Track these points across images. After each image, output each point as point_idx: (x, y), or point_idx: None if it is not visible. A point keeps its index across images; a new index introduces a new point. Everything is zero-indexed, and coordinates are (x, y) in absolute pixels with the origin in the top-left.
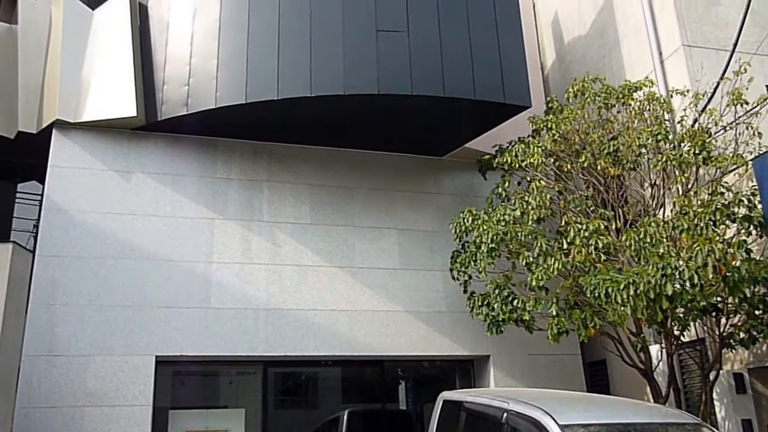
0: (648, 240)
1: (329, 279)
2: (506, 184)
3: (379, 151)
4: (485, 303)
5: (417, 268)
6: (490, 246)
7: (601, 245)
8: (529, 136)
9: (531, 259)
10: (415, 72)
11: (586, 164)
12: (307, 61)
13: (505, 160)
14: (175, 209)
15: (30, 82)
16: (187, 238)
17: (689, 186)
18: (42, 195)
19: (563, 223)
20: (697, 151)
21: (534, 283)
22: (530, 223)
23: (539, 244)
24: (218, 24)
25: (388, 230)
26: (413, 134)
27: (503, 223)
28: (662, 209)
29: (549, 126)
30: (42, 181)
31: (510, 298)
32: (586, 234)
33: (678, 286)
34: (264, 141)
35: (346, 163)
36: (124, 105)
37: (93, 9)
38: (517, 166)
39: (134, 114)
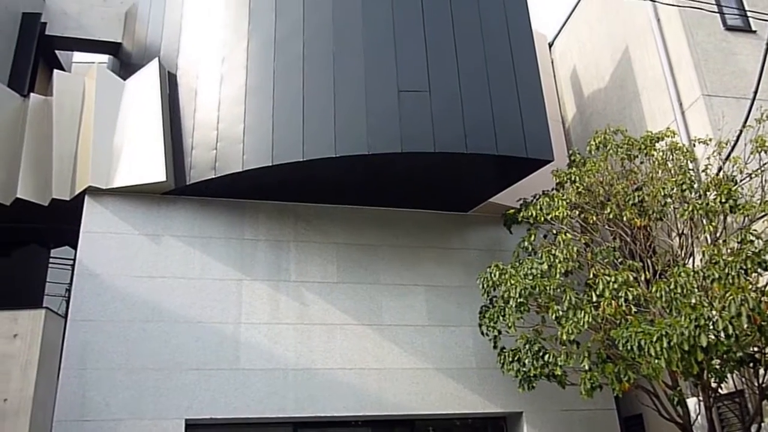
0: (679, 290)
1: (357, 337)
2: (532, 238)
3: (404, 208)
4: (516, 358)
5: (445, 325)
6: (519, 300)
7: (631, 297)
8: (553, 189)
9: (560, 312)
10: (438, 130)
11: (611, 216)
12: (331, 122)
13: (530, 213)
14: (203, 271)
15: (64, 150)
16: (215, 300)
17: (718, 235)
18: (74, 260)
19: (591, 275)
20: (723, 200)
21: (565, 337)
22: (558, 276)
23: (568, 298)
24: (244, 90)
25: (415, 287)
26: (438, 190)
27: (531, 277)
28: (691, 259)
29: (573, 179)
30: (74, 247)
31: (541, 353)
32: (616, 286)
33: (712, 337)
34: (290, 201)
35: (372, 221)
36: (153, 170)
37: (124, 79)
38: (542, 219)
39: (164, 179)
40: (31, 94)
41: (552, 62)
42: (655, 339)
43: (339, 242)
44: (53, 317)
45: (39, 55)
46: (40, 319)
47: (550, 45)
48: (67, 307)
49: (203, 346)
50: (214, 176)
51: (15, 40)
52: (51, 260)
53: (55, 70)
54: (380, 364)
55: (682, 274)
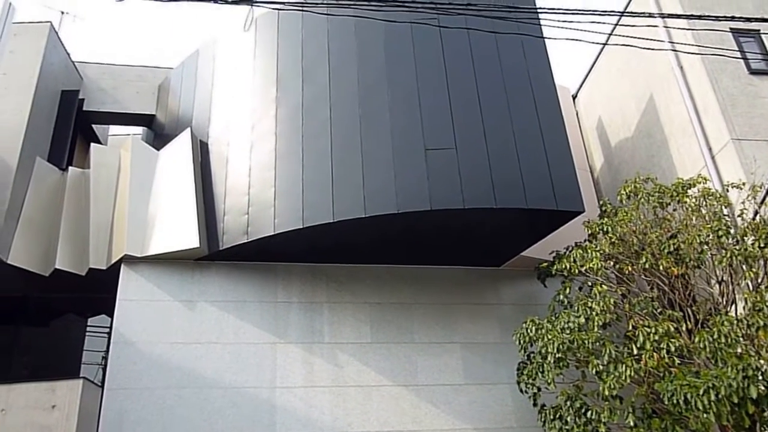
0: (723, 340)
1: (393, 398)
2: (567, 291)
3: (435, 266)
4: (557, 416)
5: (482, 383)
6: (557, 356)
7: (673, 348)
8: (585, 241)
9: (601, 367)
10: (466, 186)
11: (647, 265)
12: (360, 183)
13: (563, 266)
14: (238, 335)
15: (100, 221)
16: (250, 364)
17: (759, 280)
18: (110, 328)
19: (631, 327)
20: (762, 244)
21: (607, 393)
22: (596, 329)
23: (608, 351)
24: (274, 155)
25: (450, 345)
26: (469, 246)
27: (568, 331)
28: (733, 306)
29: (605, 229)
30: (110, 315)
31: (583, 410)
32: (657, 337)
33: (762, 387)
34: (322, 263)
35: (404, 280)
36: (187, 237)
37: (158, 149)
38: (576, 271)
39: (197, 245)
40: (70, 168)
41: (577, 114)
42: (702, 392)
43: (372, 302)
44: (90, 387)
45: (77, 129)
46: (78, 389)
47: (574, 97)
48: (104, 376)
49: (239, 412)
50: (246, 241)
51: (55, 117)
52: (88, 329)
53: (92, 144)
54: (418, 425)
55: (725, 322)
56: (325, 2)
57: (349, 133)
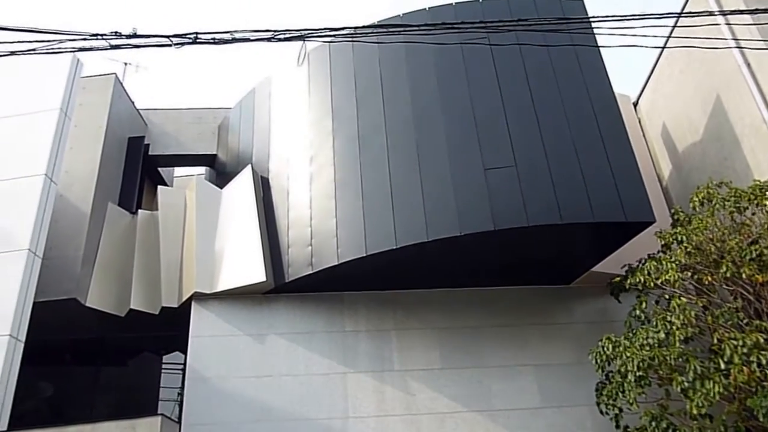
0: None
1: (468, 425)
2: (643, 305)
3: (502, 287)
4: None
5: (560, 405)
6: (638, 374)
7: (764, 361)
8: (659, 252)
9: (686, 384)
10: (529, 203)
11: (728, 274)
12: (421, 208)
13: (637, 279)
14: (308, 367)
15: (170, 260)
16: (321, 395)
17: None
18: (184, 364)
19: (715, 340)
20: None
21: (695, 411)
22: (678, 344)
23: (693, 367)
24: (333, 185)
25: (523, 367)
26: (536, 265)
27: (648, 348)
28: None
29: (679, 239)
30: (183, 351)
31: (670, 430)
32: (745, 350)
33: None
34: (387, 290)
35: (471, 303)
36: (254, 272)
37: (221, 188)
38: (651, 284)
39: (264, 279)
40: (139, 211)
41: (639, 121)
42: None
43: (440, 327)
44: (169, 423)
45: (144, 173)
46: (157, 426)
47: (635, 104)
48: (180, 411)
49: None
50: (311, 272)
51: (123, 163)
52: (163, 366)
53: (159, 186)
54: None
55: None
56: (374, 31)
57: (407, 158)
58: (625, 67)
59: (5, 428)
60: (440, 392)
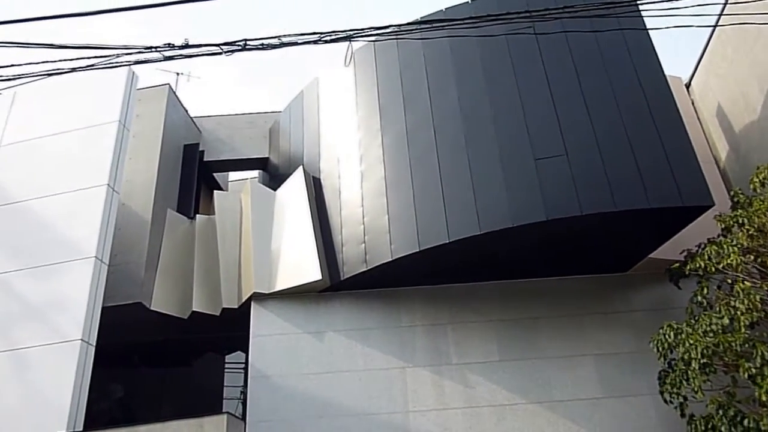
0: None
1: (529, 416)
2: (705, 291)
3: (558, 277)
4: (710, 426)
5: (622, 395)
6: (702, 361)
7: None
8: (719, 236)
9: (754, 370)
10: (582, 192)
11: None
12: (472, 201)
13: (697, 265)
14: (366, 362)
15: (229, 263)
16: (381, 390)
17: None
18: (245, 363)
19: None
20: None
21: (764, 398)
22: (743, 330)
23: (760, 353)
24: (384, 183)
25: (582, 357)
26: (591, 253)
27: (711, 334)
28: None
29: (740, 221)
30: (245, 350)
31: (739, 418)
32: None
33: None
34: (442, 284)
35: (527, 294)
36: (310, 271)
37: (274, 190)
38: (713, 269)
39: (320, 278)
40: (197, 216)
41: (692, 103)
42: None
43: (496, 319)
44: (234, 421)
45: (200, 179)
46: (223, 424)
47: (687, 86)
48: (244, 409)
49: None
50: (365, 269)
51: (179, 170)
52: (226, 365)
53: (215, 191)
54: None
55: None
56: (418, 28)
57: (456, 152)
58: (675, 48)
59: (81, 428)
60: (499, 384)
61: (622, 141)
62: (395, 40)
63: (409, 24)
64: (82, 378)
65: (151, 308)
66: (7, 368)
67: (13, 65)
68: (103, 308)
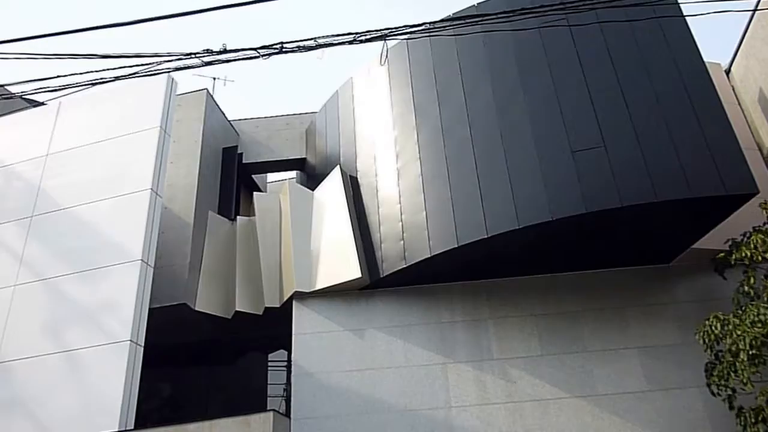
0: None
1: (573, 411)
2: (752, 281)
3: (599, 269)
4: (760, 419)
5: (667, 388)
6: (751, 352)
7: None
8: (765, 224)
9: None
10: (621, 183)
11: None
12: (509, 195)
13: (743, 254)
14: (408, 359)
15: (270, 263)
16: (422, 386)
17: None
18: (288, 361)
19: None
20: None
21: None
22: None
23: None
24: (421, 179)
25: (626, 350)
26: (633, 245)
27: (760, 325)
28: None
29: None
30: (287, 348)
31: None
32: None
33: None
34: (481, 279)
35: (567, 288)
36: (349, 269)
37: (312, 189)
38: (759, 258)
39: (359, 275)
40: (238, 217)
41: (733, 89)
42: None
43: (537, 314)
44: (280, 418)
45: (240, 181)
46: (270, 421)
47: (727, 72)
48: (287, 406)
49: None
50: (404, 266)
51: (219, 173)
52: (269, 364)
53: (255, 193)
54: None
55: None
56: (451, 24)
57: (492, 147)
58: (713, 33)
59: (132, 427)
60: (542, 379)
61: (661, 130)
62: (428, 37)
63: (442, 21)
64: (132, 377)
65: (196, 309)
66: (62, 369)
67: (58, 76)
68: (150, 310)
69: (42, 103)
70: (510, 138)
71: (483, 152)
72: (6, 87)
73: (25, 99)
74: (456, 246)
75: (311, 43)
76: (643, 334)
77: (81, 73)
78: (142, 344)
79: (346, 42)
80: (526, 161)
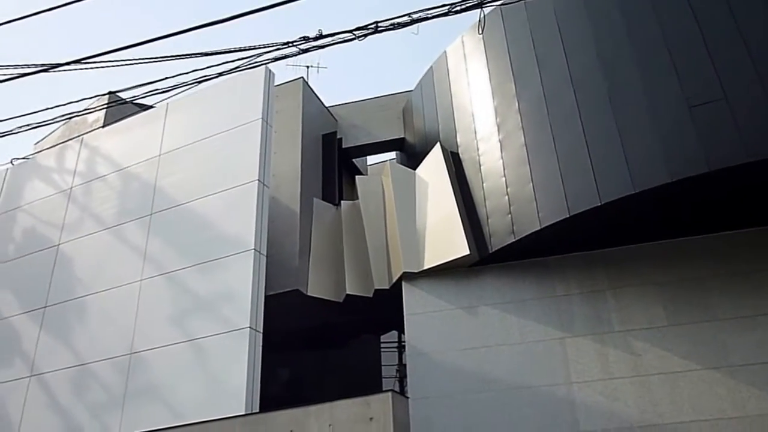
0: None
1: (705, 383)
2: None
3: (728, 231)
4: None
5: None
6: None
7: None
8: None
9: None
10: (747, 137)
11: None
12: (622, 159)
13: None
14: (523, 335)
15: (377, 245)
16: (541, 362)
17: None
18: (399, 341)
19: None
20: None
21: None
22: None
23: None
24: (525, 150)
25: (762, 317)
26: (763, 203)
27: None
28: None
29: None
30: (399, 329)
31: None
32: None
33: None
34: (595, 249)
35: (693, 253)
36: (457, 246)
37: (413, 169)
38: None
39: (467, 252)
40: (342, 202)
41: None
42: None
43: (660, 282)
44: (399, 398)
45: (341, 166)
46: (389, 401)
47: None
48: (401, 386)
49: (539, 411)
50: (514, 240)
51: (320, 159)
52: (381, 345)
53: (357, 176)
54: (739, 411)
55: None
56: None
57: (600, 110)
58: None
59: (257, 410)
60: (669, 351)
61: None
62: (523, 1)
63: None
64: (254, 363)
65: (308, 294)
66: (188, 357)
67: (166, 77)
68: (266, 297)
69: (151, 107)
70: (619, 97)
71: (590, 115)
72: (118, 93)
73: (135, 104)
74: (567, 216)
75: (405, 19)
76: None
77: (186, 73)
78: (261, 330)
79: (441, 14)
80: (639, 121)
